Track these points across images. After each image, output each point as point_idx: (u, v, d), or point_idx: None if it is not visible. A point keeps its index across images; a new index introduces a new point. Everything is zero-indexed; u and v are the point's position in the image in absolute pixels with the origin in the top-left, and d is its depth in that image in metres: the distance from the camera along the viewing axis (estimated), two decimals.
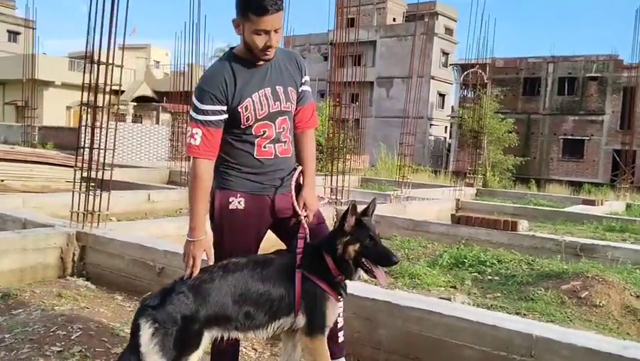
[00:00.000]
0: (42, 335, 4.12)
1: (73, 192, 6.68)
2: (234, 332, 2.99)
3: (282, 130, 3.24)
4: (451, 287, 6.23)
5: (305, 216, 3.23)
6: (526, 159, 36.18)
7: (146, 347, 2.79)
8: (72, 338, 4.09)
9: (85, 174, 6.83)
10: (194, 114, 3.07)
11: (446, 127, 52.91)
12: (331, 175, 10.61)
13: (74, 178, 6.76)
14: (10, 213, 7.13)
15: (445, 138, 53.89)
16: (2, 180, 10.93)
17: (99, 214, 6.57)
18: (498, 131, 29.63)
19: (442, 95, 54.36)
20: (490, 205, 13.64)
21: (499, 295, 5.98)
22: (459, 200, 13.77)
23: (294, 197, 3.23)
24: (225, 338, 3.00)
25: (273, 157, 3.24)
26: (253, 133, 3.18)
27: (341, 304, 3.38)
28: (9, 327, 4.24)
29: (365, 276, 3.10)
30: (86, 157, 6.83)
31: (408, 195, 12.54)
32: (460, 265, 7.05)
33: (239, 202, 3.20)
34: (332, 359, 3.35)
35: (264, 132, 3.19)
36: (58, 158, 11.51)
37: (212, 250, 3.18)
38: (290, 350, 3.16)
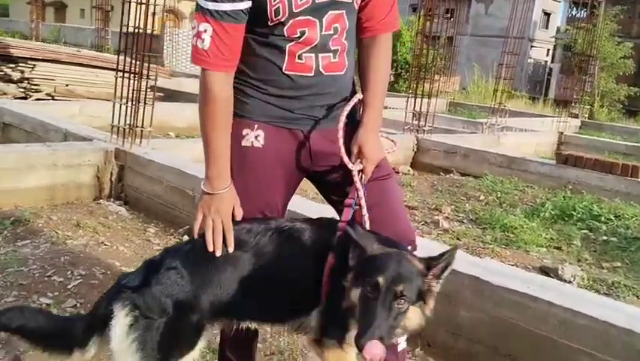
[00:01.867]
0: (35, 279, 3.35)
1: (114, 103, 5.82)
2: (249, 323, 2.08)
3: (332, 33, 2.08)
4: (555, 248, 4.99)
5: (359, 171, 2.12)
6: None
7: (120, 345, 1.90)
8: (69, 287, 3.30)
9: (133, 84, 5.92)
10: (202, 1, 1.97)
11: (548, 50, 48.83)
12: (415, 97, 9.25)
13: (115, 86, 5.87)
14: (53, 122, 6.42)
15: (547, 62, 49.92)
16: (66, 85, 10.39)
17: (142, 130, 5.70)
18: (612, 56, 26.38)
19: (547, 14, 49.79)
20: (599, 142, 11.82)
21: (618, 264, 4.69)
22: (562, 133, 12.05)
23: (341, 139, 2.10)
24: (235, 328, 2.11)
25: (312, 74, 2.11)
26: (285, 35, 2.04)
27: None
28: (4, 263, 3.51)
29: None
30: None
31: (503, 125, 11.00)
32: (567, 219, 5.75)
33: (256, 137, 2.14)
34: None
35: (302, 34, 2.04)
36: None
37: (239, 204, 2.14)
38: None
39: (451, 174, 7.91)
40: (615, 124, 18.39)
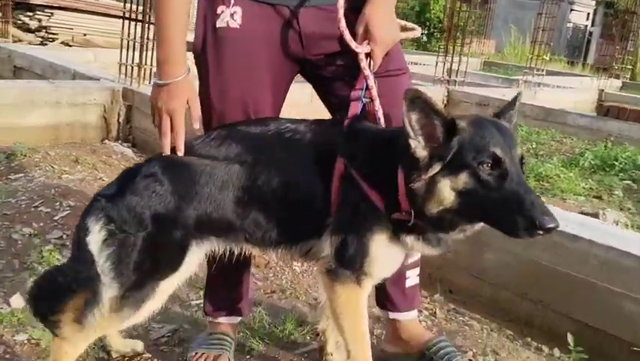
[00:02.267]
0: (21, 210, 3.08)
1: (121, 40, 5.50)
2: (245, 246, 1.76)
3: None
4: (595, 197, 4.56)
5: (367, 55, 1.73)
6: None
7: (98, 261, 1.66)
8: (55, 218, 3.03)
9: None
10: None
11: (588, 14, 46.88)
12: (445, 54, 8.71)
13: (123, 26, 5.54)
14: (61, 62, 6.14)
15: (586, 26, 48.01)
16: (84, 35, 10.09)
17: (151, 69, 5.37)
18: None
19: None
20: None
21: None
22: (602, 91, 11.35)
23: (342, 11, 1.71)
24: (237, 252, 1.80)
25: None
26: None
27: None
28: None
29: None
30: None
31: (539, 82, 10.39)
32: (608, 169, 5.28)
33: (232, 15, 1.77)
34: (391, 311, 2.00)
35: None
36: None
37: (199, 102, 1.81)
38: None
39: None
40: None
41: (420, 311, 2.64)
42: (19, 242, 2.78)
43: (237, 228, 1.68)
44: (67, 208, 3.10)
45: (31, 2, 9.76)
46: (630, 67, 18.16)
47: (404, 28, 1.89)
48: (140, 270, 1.63)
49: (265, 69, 1.82)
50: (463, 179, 1.38)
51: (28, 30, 9.80)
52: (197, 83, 1.88)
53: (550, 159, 5.55)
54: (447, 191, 1.40)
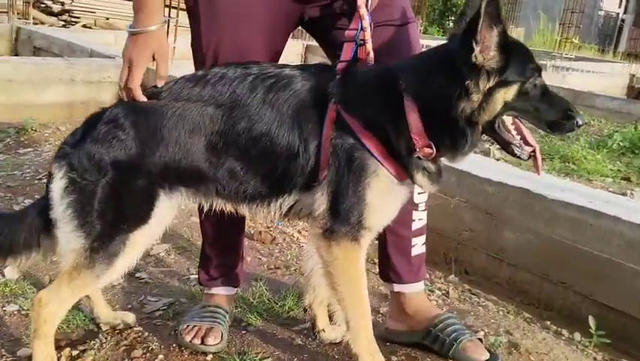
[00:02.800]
0: (25, 182, 3.04)
1: None
2: (216, 200, 1.64)
3: None
4: (623, 179, 4.35)
5: None
6: None
7: (56, 211, 1.58)
8: None
9: None
10: None
11: (621, 0, 45.68)
12: None
13: None
14: (78, 42, 6.10)
15: (618, 14, 46.81)
16: (107, 18, 10.08)
17: (174, 48, 5.28)
18: None
19: None
20: None
21: None
22: (634, 76, 10.96)
23: None
24: (207, 208, 1.69)
25: None
26: None
27: (423, 197, 1.84)
28: None
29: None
30: None
31: (568, 66, 10.07)
32: (637, 151, 5.05)
33: None
34: (396, 283, 1.87)
35: None
36: None
37: (167, 58, 1.70)
38: (317, 258, 1.67)
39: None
40: None
41: (432, 291, 2.52)
42: None
43: (209, 178, 1.57)
44: None
45: None
46: None
47: None
48: (103, 219, 1.55)
49: (261, 20, 1.70)
50: (514, 91, 1.44)
51: (51, 13, 9.83)
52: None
53: (576, 140, 5.33)
54: (500, 102, 1.43)
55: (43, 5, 9.82)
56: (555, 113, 1.48)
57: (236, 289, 2.03)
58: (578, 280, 2.43)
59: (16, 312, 2.00)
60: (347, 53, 1.57)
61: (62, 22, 9.73)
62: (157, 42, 1.65)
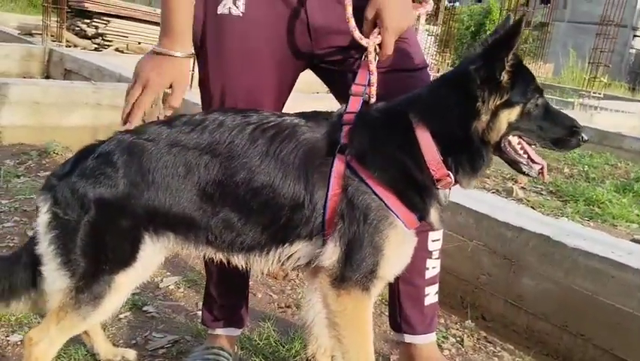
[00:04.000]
0: None
1: None
2: (206, 249, 1.58)
3: None
4: None
5: (375, 49, 1.57)
6: None
7: (42, 246, 1.54)
8: None
9: None
10: None
11: None
12: None
13: None
14: (108, 67, 6.21)
15: None
16: (139, 43, 10.29)
17: (192, 74, 5.32)
18: None
19: None
20: None
21: None
22: None
23: (349, 4, 1.55)
24: (195, 255, 1.68)
25: None
26: None
27: (437, 244, 1.79)
28: (17, 191, 3.22)
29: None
30: None
31: (597, 105, 9.93)
32: None
33: (235, 2, 1.64)
34: (408, 333, 1.81)
35: None
36: None
37: (184, 90, 1.67)
38: (318, 307, 1.62)
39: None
40: None
41: (446, 338, 2.45)
42: None
43: (201, 226, 1.52)
44: None
45: (89, 10, 10.03)
46: None
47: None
48: (86, 258, 1.50)
49: (270, 64, 1.68)
50: (517, 112, 1.46)
51: (85, 36, 10.05)
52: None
53: (602, 183, 5.21)
54: (504, 122, 1.46)
55: (77, 28, 10.06)
56: (560, 131, 1.50)
57: (240, 330, 1.98)
58: (599, 332, 2.33)
59: (19, 343, 1.98)
60: (353, 105, 1.54)
61: (95, 46, 9.96)
62: (178, 70, 1.62)
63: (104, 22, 10.03)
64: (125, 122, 1.64)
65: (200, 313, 2.31)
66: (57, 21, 8.54)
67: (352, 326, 1.50)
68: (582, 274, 2.38)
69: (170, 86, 1.64)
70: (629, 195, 4.78)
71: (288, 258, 1.55)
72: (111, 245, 1.51)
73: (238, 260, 1.58)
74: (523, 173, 1.52)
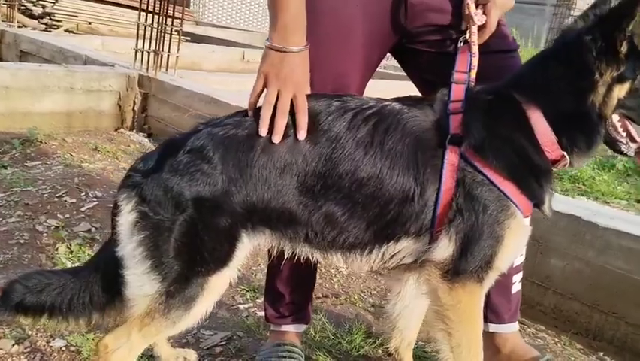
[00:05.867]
0: (44, 200, 2.84)
1: (138, 25, 5.25)
2: (303, 247, 1.47)
3: None
4: (637, 201, 4.35)
5: (479, 26, 1.51)
6: None
7: (125, 248, 1.40)
8: (82, 209, 2.78)
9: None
10: None
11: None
12: None
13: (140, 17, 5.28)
14: (71, 48, 5.88)
15: None
16: (89, 23, 9.81)
17: (168, 56, 5.12)
18: None
19: None
20: None
21: None
22: None
23: None
24: (288, 254, 1.51)
25: None
26: None
27: (527, 220, 1.76)
28: (10, 183, 3.00)
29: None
30: None
31: None
32: None
33: None
34: (493, 323, 1.78)
35: None
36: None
37: (308, 78, 1.51)
38: (408, 300, 1.55)
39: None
40: None
41: None
42: (45, 235, 2.53)
43: (301, 222, 1.42)
44: (95, 199, 2.86)
45: None
46: None
47: None
48: (180, 261, 1.38)
49: (361, 41, 1.58)
50: (627, 88, 1.40)
51: (32, 16, 9.51)
52: None
53: None
54: (615, 97, 1.40)
55: (23, 7, 9.50)
56: None
57: (307, 325, 1.90)
58: (632, 310, 2.37)
59: (64, 348, 1.83)
60: (457, 94, 1.45)
61: (43, 25, 9.44)
62: (308, 62, 1.50)
63: (52, 1, 9.51)
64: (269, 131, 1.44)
65: (241, 307, 2.23)
66: (5, 2, 8.01)
67: (465, 319, 1.44)
68: (615, 254, 2.41)
69: None
70: (610, 172, 4.92)
71: (392, 256, 1.46)
72: (208, 246, 1.39)
73: (336, 259, 1.48)
74: (621, 152, 1.47)
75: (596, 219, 2.49)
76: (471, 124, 1.41)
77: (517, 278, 1.83)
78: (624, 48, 1.37)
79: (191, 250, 1.38)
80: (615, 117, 1.44)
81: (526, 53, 17.14)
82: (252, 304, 2.22)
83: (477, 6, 1.51)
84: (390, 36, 1.62)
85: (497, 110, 1.44)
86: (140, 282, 1.39)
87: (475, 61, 1.49)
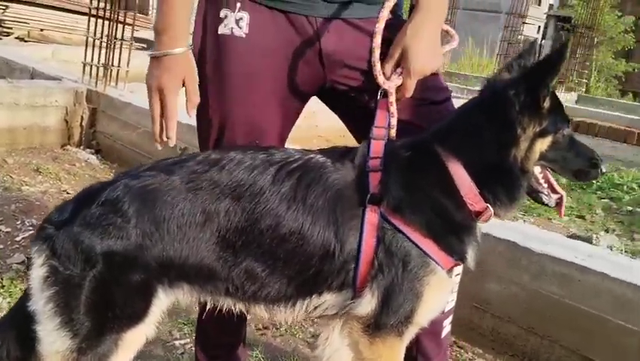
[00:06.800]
0: None
1: (87, 37, 5.15)
2: (225, 300, 1.46)
3: None
4: (578, 217, 4.48)
5: (397, 88, 1.50)
6: None
7: (38, 303, 1.36)
8: (17, 239, 2.71)
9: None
10: None
11: (539, 27, 48.14)
12: None
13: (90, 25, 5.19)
14: (19, 60, 5.73)
15: (537, 39, 49.22)
16: (41, 30, 9.60)
17: (118, 70, 5.04)
18: (613, 30, 25.53)
19: None
20: (601, 114, 11.19)
21: None
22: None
23: (379, 34, 1.47)
24: (210, 306, 1.50)
25: None
26: None
27: (456, 279, 1.78)
28: None
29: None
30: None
31: None
32: (585, 187, 5.22)
33: (237, 22, 1.52)
34: None
35: None
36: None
37: (196, 82, 1.54)
38: (336, 345, 1.56)
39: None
40: (613, 99, 17.83)
41: None
42: None
43: (220, 277, 1.40)
44: (31, 228, 2.79)
45: None
46: (585, 80, 18.63)
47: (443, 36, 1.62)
48: (92, 317, 1.34)
49: (275, 92, 1.57)
50: (549, 142, 1.43)
51: None
52: None
53: None
54: (537, 151, 1.42)
55: None
56: (581, 162, 1.49)
57: None
58: (565, 334, 2.44)
59: None
60: (376, 150, 1.44)
61: None
62: (187, 65, 1.50)
63: (2, 7, 9.28)
64: (160, 141, 1.52)
65: (177, 343, 2.20)
66: None
67: None
68: (548, 279, 2.48)
69: (183, 84, 1.51)
70: (561, 184, 5.03)
71: (316, 308, 1.46)
72: (120, 302, 1.36)
73: (260, 311, 1.47)
74: (542, 203, 1.51)
75: (531, 245, 2.55)
76: (390, 183, 1.40)
77: (447, 322, 1.85)
78: (547, 103, 1.39)
79: (102, 306, 1.35)
80: (537, 169, 1.47)
81: (482, 61, 17.41)
82: (188, 340, 2.19)
83: (397, 66, 1.50)
84: (309, 85, 1.61)
85: (417, 166, 1.44)
86: (52, 338, 1.35)
87: (394, 120, 1.49)
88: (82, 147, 4.74)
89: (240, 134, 1.57)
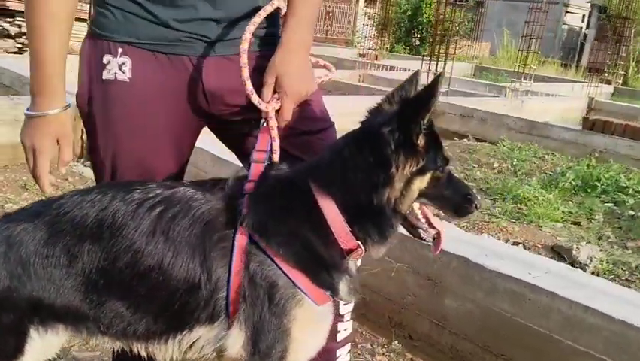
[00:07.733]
0: None
1: None
2: (102, 338, 1.47)
3: None
4: (573, 223, 4.36)
5: (273, 113, 1.52)
6: None
7: None
8: None
9: None
10: None
11: (584, 15, 46.75)
12: (430, 59, 8.49)
13: None
14: (16, 70, 5.95)
15: (582, 28, 47.85)
16: None
17: None
18: None
19: None
20: (634, 108, 10.87)
21: None
22: (593, 99, 11.16)
23: (245, 66, 1.48)
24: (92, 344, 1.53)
25: None
26: None
27: (349, 307, 1.76)
28: None
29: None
30: None
31: (528, 89, 10.21)
32: (589, 190, 5.07)
33: (120, 67, 1.53)
34: None
35: None
36: None
37: (72, 142, 1.58)
38: None
39: (465, 140, 7.23)
40: None
41: None
42: None
43: (89, 317, 1.41)
44: None
45: (11, 8, 9.58)
46: (623, 72, 18.03)
47: (316, 65, 1.66)
48: None
49: (163, 128, 1.59)
50: (427, 179, 1.42)
51: (8, 36, 9.61)
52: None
53: (529, 178, 5.35)
54: (416, 190, 1.41)
55: (0, 27, 9.61)
56: (458, 199, 1.48)
57: None
58: (518, 353, 2.40)
59: None
60: (255, 173, 1.46)
61: (19, 46, 9.53)
62: (60, 127, 1.54)
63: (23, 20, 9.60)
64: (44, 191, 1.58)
65: None
66: None
67: None
68: (500, 296, 2.43)
69: (58, 142, 1.55)
70: (555, 191, 4.93)
71: (191, 346, 1.45)
72: None
73: (139, 349, 1.48)
74: (420, 238, 1.48)
75: (484, 261, 2.51)
76: (259, 205, 1.40)
77: (342, 352, 1.81)
78: (422, 141, 1.36)
79: None
80: (416, 205, 1.45)
81: (515, 53, 16.75)
82: None
83: (274, 92, 1.51)
84: (196, 120, 1.64)
85: (288, 195, 1.43)
86: None
87: (276, 145, 1.50)
88: (82, 160, 4.87)
89: (132, 176, 1.59)
